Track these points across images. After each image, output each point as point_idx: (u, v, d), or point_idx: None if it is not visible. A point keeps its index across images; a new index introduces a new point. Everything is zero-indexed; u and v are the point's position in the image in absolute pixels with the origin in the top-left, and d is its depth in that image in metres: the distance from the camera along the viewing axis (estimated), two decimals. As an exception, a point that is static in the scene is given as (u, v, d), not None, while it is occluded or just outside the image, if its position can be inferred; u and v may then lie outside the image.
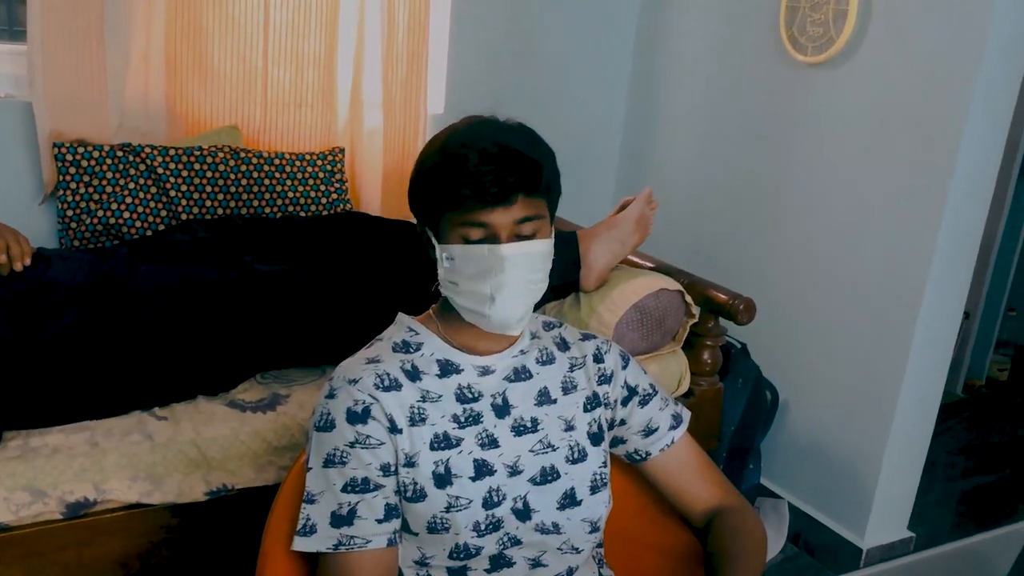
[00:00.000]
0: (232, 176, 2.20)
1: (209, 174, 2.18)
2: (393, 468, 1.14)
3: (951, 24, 2.00)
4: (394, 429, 1.13)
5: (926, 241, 2.09)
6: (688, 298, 1.90)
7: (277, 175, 2.27)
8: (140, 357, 1.60)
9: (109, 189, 2.10)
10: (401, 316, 1.27)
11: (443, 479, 1.14)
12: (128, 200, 2.11)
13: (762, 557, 1.26)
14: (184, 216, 2.15)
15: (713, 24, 2.68)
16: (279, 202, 2.27)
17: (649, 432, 1.30)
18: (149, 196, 2.13)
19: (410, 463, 1.14)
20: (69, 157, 2.08)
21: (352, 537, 1.11)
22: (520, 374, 1.22)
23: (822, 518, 2.41)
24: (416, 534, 1.16)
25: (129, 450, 1.51)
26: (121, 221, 2.10)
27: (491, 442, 1.18)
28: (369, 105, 2.47)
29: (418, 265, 1.36)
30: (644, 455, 1.31)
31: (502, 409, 1.20)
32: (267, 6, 2.28)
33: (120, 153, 2.12)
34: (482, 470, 1.16)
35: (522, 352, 1.24)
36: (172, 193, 2.14)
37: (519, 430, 1.20)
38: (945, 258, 2.10)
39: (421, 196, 1.16)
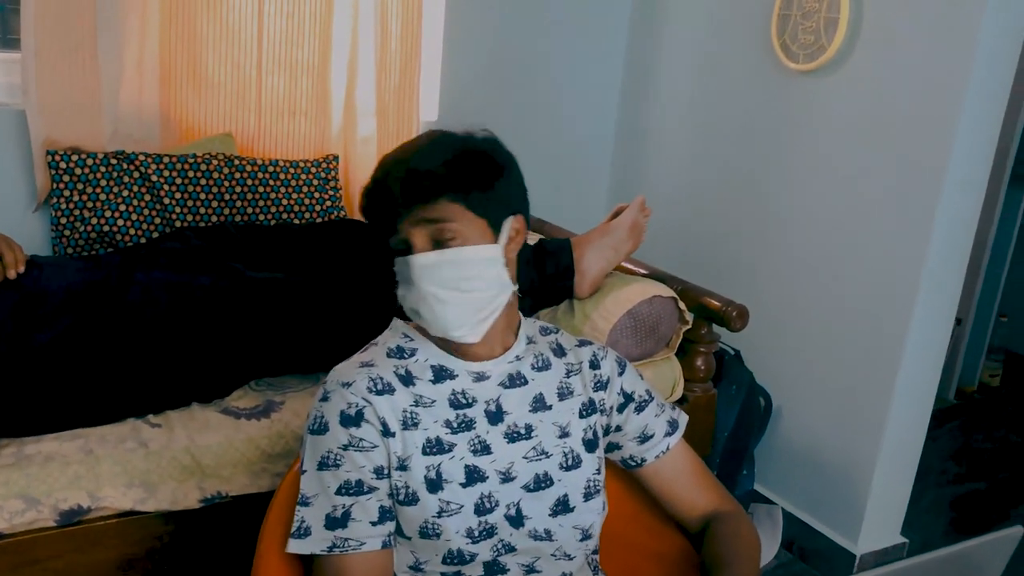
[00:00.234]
0: (226, 184, 2.20)
1: (203, 182, 2.18)
2: (386, 471, 1.14)
3: (941, 31, 2.02)
4: (387, 432, 1.14)
5: (918, 247, 2.10)
6: (681, 305, 1.91)
7: (271, 183, 2.27)
8: (134, 364, 1.60)
9: (103, 197, 2.10)
10: (396, 322, 1.27)
11: (435, 484, 1.14)
12: (122, 208, 2.11)
13: (756, 563, 1.26)
14: (178, 224, 2.15)
15: (705, 32, 2.69)
16: (273, 209, 2.27)
17: (645, 439, 1.31)
18: (143, 204, 2.13)
19: (402, 467, 1.14)
20: (63, 165, 2.07)
21: (346, 539, 1.11)
22: (515, 380, 1.23)
23: (816, 524, 2.41)
24: (409, 538, 1.16)
25: (123, 457, 1.50)
26: (115, 229, 2.10)
27: (483, 448, 1.18)
28: (363, 113, 2.47)
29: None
30: (639, 461, 1.31)
31: (495, 415, 1.20)
32: (261, 14, 2.28)
33: (114, 161, 2.12)
34: (473, 476, 1.17)
35: (517, 358, 1.24)
36: (166, 201, 2.14)
37: (512, 437, 1.20)
38: (937, 264, 2.11)
39: None
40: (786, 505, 2.48)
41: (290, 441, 1.62)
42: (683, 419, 1.36)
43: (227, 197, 2.20)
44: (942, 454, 3.14)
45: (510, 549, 1.18)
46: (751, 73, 2.51)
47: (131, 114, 2.20)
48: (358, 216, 2.47)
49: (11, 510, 1.41)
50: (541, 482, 1.20)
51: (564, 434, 1.24)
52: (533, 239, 2.01)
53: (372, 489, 1.13)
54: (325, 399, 1.16)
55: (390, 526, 1.14)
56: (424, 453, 1.15)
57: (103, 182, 2.10)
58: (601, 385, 1.29)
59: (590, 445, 1.26)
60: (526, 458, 1.20)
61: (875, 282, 2.21)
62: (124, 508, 1.49)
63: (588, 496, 1.23)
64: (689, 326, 1.94)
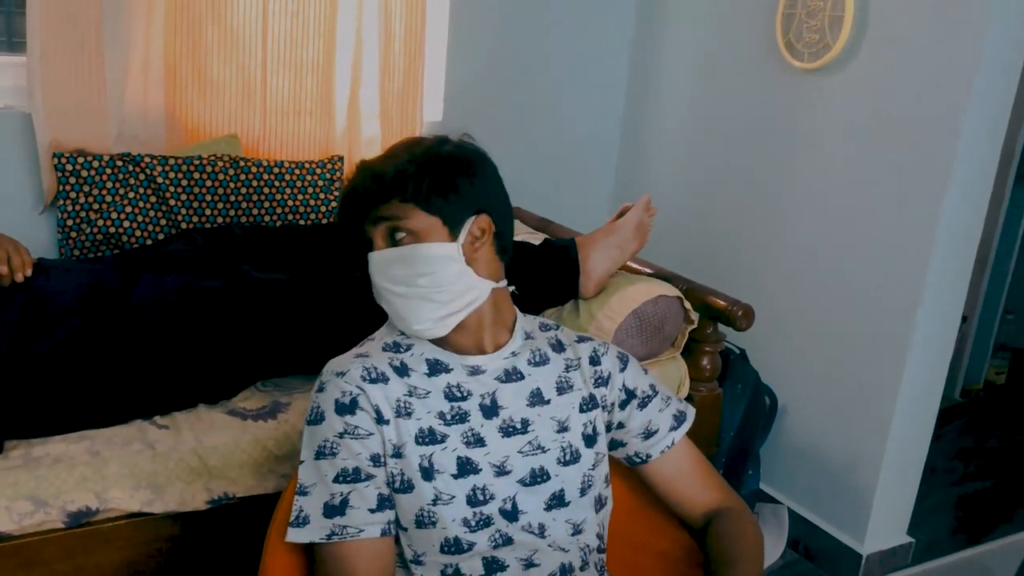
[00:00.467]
0: (232, 185, 2.21)
1: (209, 183, 2.18)
2: (382, 459, 1.15)
3: (947, 29, 2.01)
4: (380, 420, 1.15)
5: (924, 245, 2.10)
6: (687, 304, 1.91)
7: (276, 184, 2.27)
8: (141, 366, 1.60)
9: (109, 199, 2.11)
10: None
11: (428, 472, 1.16)
12: (128, 209, 2.12)
13: (760, 560, 1.26)
14: (184, 225, 2.16)
15: (709, 30, 2.69)
16: (279, 210, 2.28)
17: (649, 434, 1.31)
18: (149, 205, 2.14)
19: (398, 454, 1.16)
20: (69, 167, 2.08)
21: (345, 527, 1.12)
22: (511, 375, 1.24)
23: (821, 524, 2.41)
24: (406, 529, 1.17)
25: (130, 459, 1.51)
26: (121, 230, 2.11)
27: (476, 441, 1.19)
28: (367, 115, 2.48)
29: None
30: (645, 457, 1.32)
31: (490, 409, 1.21)
32: (265, 16, 2.29)
33: (120, 163, 2.12)
34: (465, 468, 1.17)
35: (514, 354, 1.25)
36: (172, 202, 2.15)
37: (508, 431, 1.21)
38: (942, 262, 2.11)
39: None
40: (792, 504, 2.48)
41: (297, 442, 1.61)
42: (691, 412, 1.36)
43: (232, 198, 2.21)
44: (948, 453, 3.13)
45: (508, 541, 1.18)
46: (755, 72, 2.51)
47: (136, 116, 2.20)
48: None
49: (20, 511, 1.42)
50: (537, 476, 1.21)
51: (563, 428, 1.24)
52: (538, 239, 2.02)
53: (369, 476, 1.14)
54: (321, 389, 1.18)
55: (389, 514, 1.15)
56: (417, 443, 1.16)
57: (109, 184, 2.11)
58: (602, 381, 1.29)
59: (589, 440, 1.26)
60: (522, 453, 1.21)
61: (880, 281, 2.20)
62: (132, 509, 1.50)
63: (584, 491, 1.24)
64: (695, 325, 1.94)
